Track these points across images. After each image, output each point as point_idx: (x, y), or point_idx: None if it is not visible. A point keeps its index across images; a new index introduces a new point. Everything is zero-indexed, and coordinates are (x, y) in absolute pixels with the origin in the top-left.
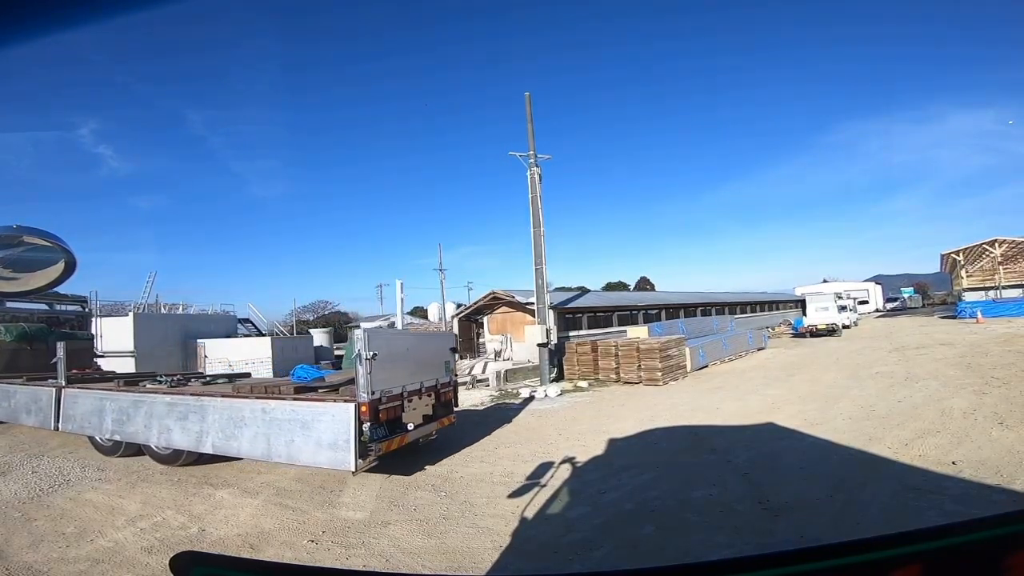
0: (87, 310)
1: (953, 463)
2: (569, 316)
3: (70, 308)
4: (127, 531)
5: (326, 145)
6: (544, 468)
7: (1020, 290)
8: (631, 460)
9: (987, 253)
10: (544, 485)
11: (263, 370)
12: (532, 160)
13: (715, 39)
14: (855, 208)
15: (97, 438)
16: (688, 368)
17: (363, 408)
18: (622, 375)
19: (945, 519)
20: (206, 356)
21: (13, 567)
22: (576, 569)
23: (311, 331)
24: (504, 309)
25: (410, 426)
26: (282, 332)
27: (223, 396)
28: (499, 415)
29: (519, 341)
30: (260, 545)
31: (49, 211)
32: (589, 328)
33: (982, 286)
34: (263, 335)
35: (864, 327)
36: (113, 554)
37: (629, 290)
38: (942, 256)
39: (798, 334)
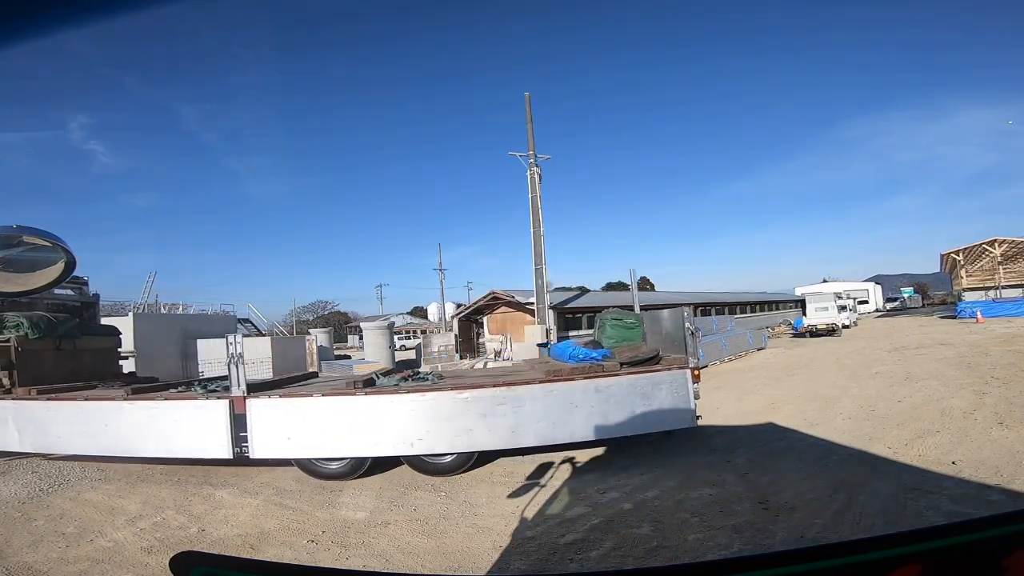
0: (92, 295)
1: (953, 463)
2: (569, 316)
3: (67, 293)
4: (127, 531)
5: (326, 145)
6: (544, 468)
7: (1020, 290)
8: (630, 460)
9: (987, 253)
10: (544, 485)
11: (263, 370)
12: (532, 160)
13: (716, 40)
14: (855, 208)
15: (318, 460)
16: None
17: (695, 372)
18: None
19: (945, 519)
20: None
21: (13, 567)
22: (576, 569)
23: (311, 331)
24: (504, 309)
25: None
26: (282, 332)
27: (541, 383)
28: None
29: (519, 341)
30: (260, 545)
31: (48, 211)
32: (589, 328)
33: (982, 286)
34: (263, 335)
35: (864, 327)
36: (113, 554)
37: (629, 290)
38: (942, 256)
39: (798, 334)
